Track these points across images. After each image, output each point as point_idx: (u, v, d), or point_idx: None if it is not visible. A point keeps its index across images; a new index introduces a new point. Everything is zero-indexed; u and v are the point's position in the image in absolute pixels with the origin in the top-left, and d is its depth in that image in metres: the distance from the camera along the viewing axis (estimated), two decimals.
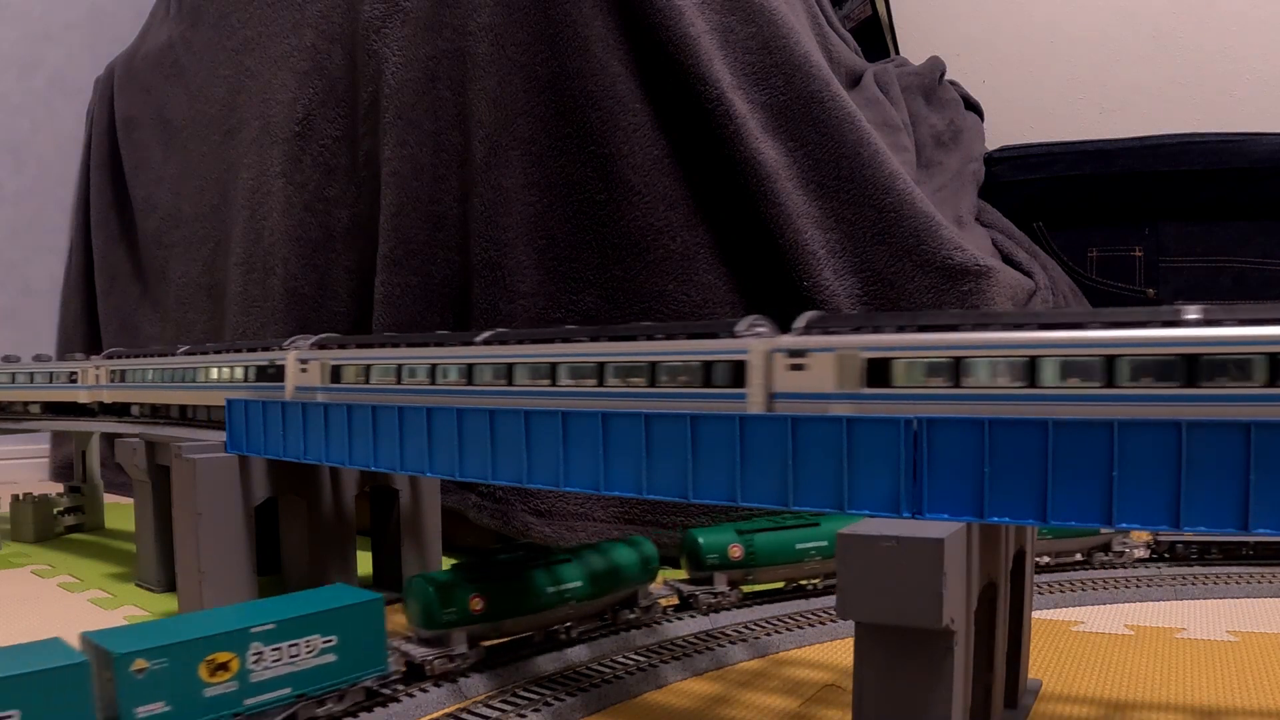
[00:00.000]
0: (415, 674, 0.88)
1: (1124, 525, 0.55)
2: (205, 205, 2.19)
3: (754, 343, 0.73)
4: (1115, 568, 1.30)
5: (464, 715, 0.81)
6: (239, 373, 1.26)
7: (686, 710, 0.86)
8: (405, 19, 1.62)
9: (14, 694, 0.63)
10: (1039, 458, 0.57)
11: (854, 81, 2.00)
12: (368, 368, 1.04)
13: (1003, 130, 2.37)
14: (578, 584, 0.98)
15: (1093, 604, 1.20)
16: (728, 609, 1.11)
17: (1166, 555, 1.34)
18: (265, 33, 2.01)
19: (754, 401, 0.72)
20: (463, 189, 1.55)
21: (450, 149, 1.57)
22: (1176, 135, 2.11)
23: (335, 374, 1.08)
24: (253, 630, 0.75)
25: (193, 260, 2.24)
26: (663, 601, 1.11)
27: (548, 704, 0.83)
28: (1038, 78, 2.56)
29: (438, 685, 0.87)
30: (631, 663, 0.94)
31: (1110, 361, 0.58)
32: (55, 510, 1.86)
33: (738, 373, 0.74)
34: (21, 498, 1.84)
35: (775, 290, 1.43)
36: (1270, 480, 0.51)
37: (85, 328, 2.70)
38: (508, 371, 0.89)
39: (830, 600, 1.17)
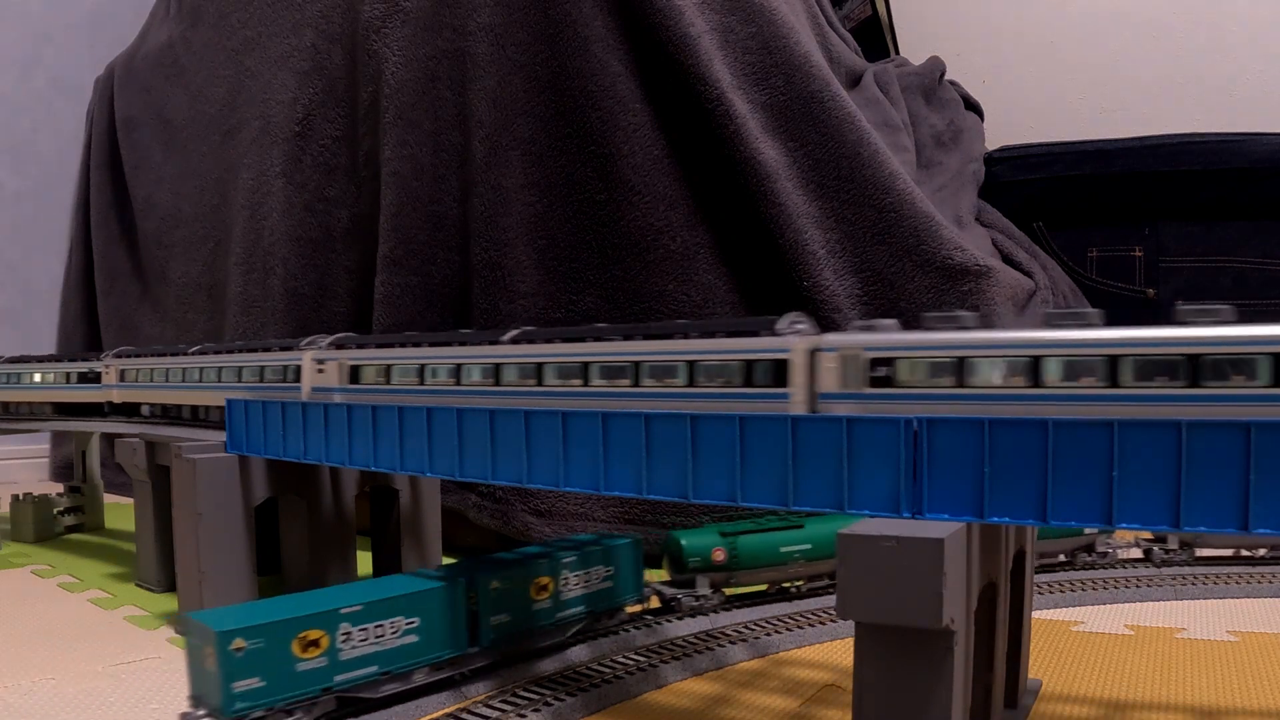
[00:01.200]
0: (668, 609, 1.10)
1: (1124, 525, 0.55)
2: (205, 205, 2.19)
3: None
4: (1101, 568, 1.30)
5: (464, 715, 0.81)
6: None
7: (686, 710, 0.86)
8: (405, 19, 1.62)
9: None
10: (1039, 458, 0.57)
11: (854, 81, 2.00)
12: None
13: (1003, 130, 2.37)
14: (807, 546, 1.14)
15: (1093, 604, 1.20)
16: (710, 613, 1.11)
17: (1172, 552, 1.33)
18: (265, 33, 2.01)
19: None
20: (463, 189, 1.55)
21: (450, 149, 1.57)
22: (1176, 135, 2.11)
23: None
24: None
25: (193, 260, 2.24)
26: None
27: (548, 704, 0.83)
28: (1038, 78, 2.56)
29: (683, 618, 1.08)
30: (631, 663, 0.94)
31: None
32: (55, 510, 1.86)
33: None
34: (21, 498, 1.84)
35: (775, 290, 1.43)
36: (1270, 480, 0.51)
37: (85, 328, 2.70)
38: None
39: (827, 600, 1.17)
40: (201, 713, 0.75)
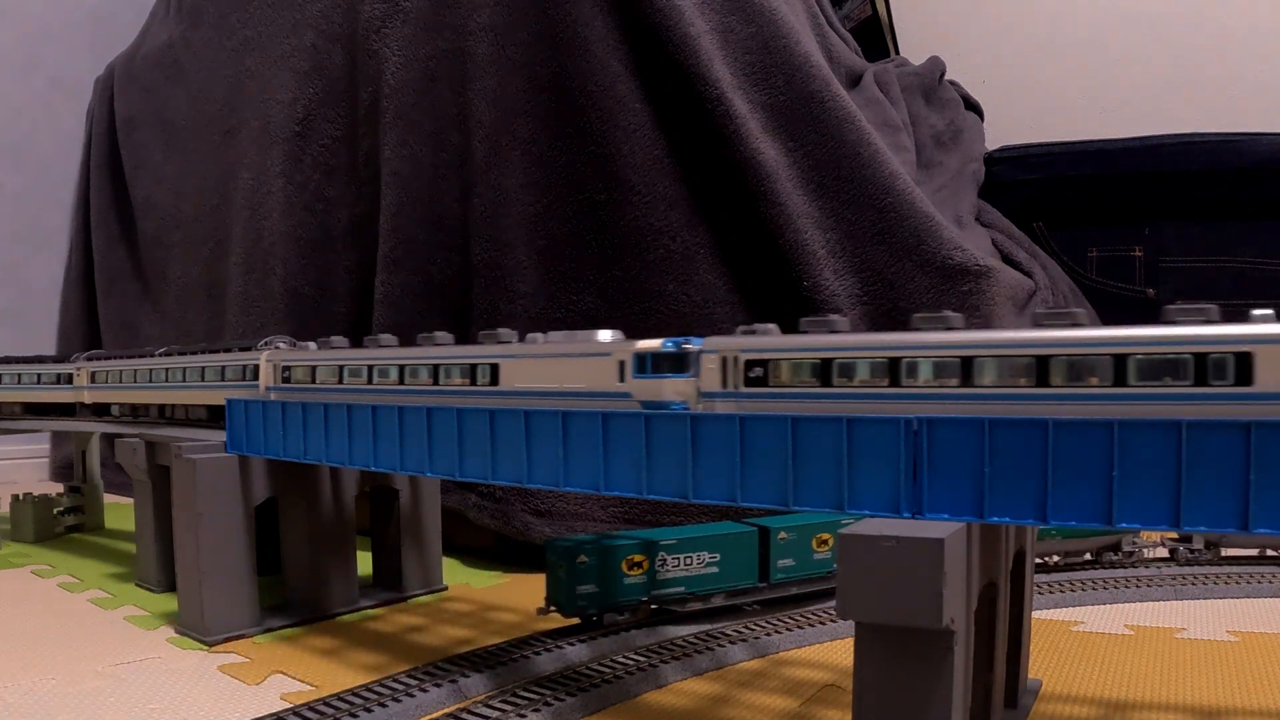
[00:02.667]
0: None
1: (1124, 525, 0.55)
2: (205, 205, 2.19)
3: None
4: (1124, 567, 1.31)
5: (464, 715, 0.81)
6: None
7: (686, 710, 0.86)
8: (405, 19, 1.62)
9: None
10: (1039, 458, 0.57)
11: (854, 81, 2.00)
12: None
13: (1003, 130, 2.36)
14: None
15: (1093, 604, 1.20)
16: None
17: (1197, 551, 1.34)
18: (265, 33, 2.02)
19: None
20: (463, 189, 1.55)
21: (450, 149, 1.57)
22: (1176, 135, 2.11)
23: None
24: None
25: (193, 260, 2.24)
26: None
27: (548, 704, 0.83)
28: (1038, 78, 2.56)
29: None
30: (631, 663, 0.94)
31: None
32: (55, 510, 1.86)
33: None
34: (21, 498, 1.84)
35: (775, 290, 1.43)
36: (1270, 480, 0.51)
37: (85, 328, 2.70)
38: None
39: (827, 600, 1.17)
40: (552, 609, 1.03)
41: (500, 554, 1.53)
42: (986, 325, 1.43)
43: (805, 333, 0.72)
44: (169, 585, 1.30)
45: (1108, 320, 0.62)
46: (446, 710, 0.83)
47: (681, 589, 1.07)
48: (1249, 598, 1.22)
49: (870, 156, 1.44)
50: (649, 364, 0.78)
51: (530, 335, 0.91)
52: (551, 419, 0.79)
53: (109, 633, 1.14)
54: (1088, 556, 1.32)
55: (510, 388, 0.88)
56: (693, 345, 0.77)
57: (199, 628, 1.09)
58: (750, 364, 0.73)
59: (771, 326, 0.75)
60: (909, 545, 0.54)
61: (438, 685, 0.88)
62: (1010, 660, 0.78)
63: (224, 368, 1.29)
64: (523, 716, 0.81)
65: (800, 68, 1.46)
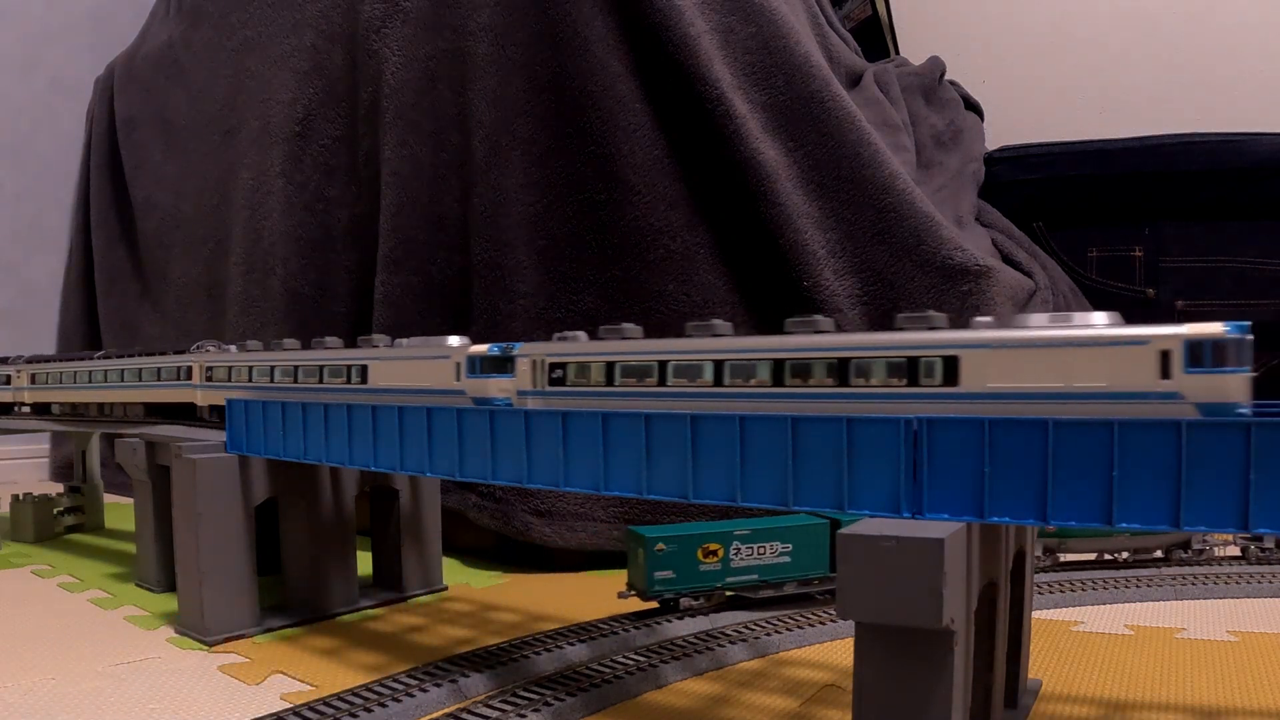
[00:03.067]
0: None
1: (1124, 525, 0.55)
2: (205, 205, 2.19)
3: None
4: (1196, 564, 1.32)
5: (464, 715, 0.81)
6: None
7: (686, 710, 0.86)
8: (405, 19, 1.62)
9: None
10: (1039, 458, 0.57)
11: (854, 81, 2.00)
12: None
13: (1003, 130, 2.36)
14: None
15: (1093, 604, 1.20)
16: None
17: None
18: (265, 33, 2.02)
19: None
20: (463, 189, 1.55)
21: (450, 149, 1.57)
22: (1176, 135, 2.11)
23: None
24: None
25: (193, 260, 2.24)
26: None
27: (548, 704, 0.83)
28: (1038, 78, 2.56)
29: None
30: (631, 663, 0.94)
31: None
32: (55, 510, 1.86)
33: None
34: (21, 498, 1.84)
35: (775, 290, 1.43)
36: (1270, 480, 0.51)
37: (85, 328, 2.70)
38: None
39: (827, 600, 1.17)
40: (632, 593, 1.11)
41: (500, 554, 1.53)
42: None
43: (602, 339, 0.84)
44: (169, 585, 1.30)
45: None
46: (446, 710, 0.83)
47: (755, 577, 1.13)
48: (1249, 598, 1.22)
49: (870, 156, 1.44)
50: (479, 366, 0.91)
51: (398, 340, 1.05)
52: (552, 419, 0.79)
53: (109, 633, 1.14)
54: (1159, 554, 1.33)
55: (376, 385, 1.02)
56: (514, 350, 0.89)
57: (199, 628, 1.09)
58: (553, 366, 0.86)
59: (580, 334, 0.87)
60: (909, 545, 0.54)
61: (438, 685, 0.88)
62: (1010, 660, 0.78)
63: (159, 369, 1.42)
64: (523, 716, 0.81)
65: (800, 68, 1.46)
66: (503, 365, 0.91)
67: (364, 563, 1.28)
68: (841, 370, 0.70)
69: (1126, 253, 2.12)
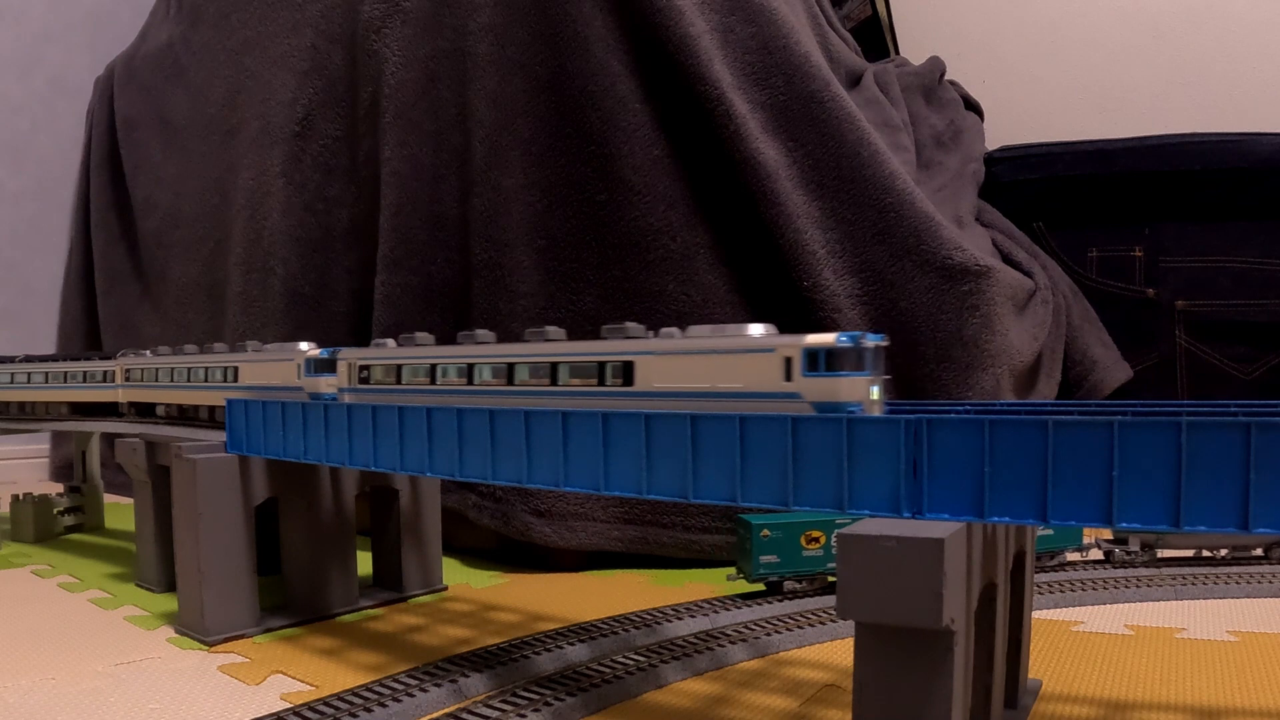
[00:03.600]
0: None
1: (1124, 525, 0.55)
2: (205, 205, 2.19)
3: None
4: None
5: (464, 715, 0.81)
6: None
7: (686, 710, 0.86)
8: (405, 19, 1.62)
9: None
10: (1039, 457, 0.57)
11: (854, 81, 2.00)
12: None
13: (1003, 130, 2.37)
14: None
15: (1093, 604, 1.20)
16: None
17: None
18: (265, 33, 2.02)
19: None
20: (463, 189, 1.55)
21: (450, 149, 1.57)
22: (1176, 135, 2.11)
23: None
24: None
25: (193, 260, 2.24)
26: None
27: (548, 704, 0.83)
28: (1038, 78, 2.56)
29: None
30: (631, 663, 0.94)
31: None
32: (55, 510, 1.86)
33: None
34: (21, 498, 1.84)
35: (775, 290, 1.43)
36: (1270, 480, 0.51)
37: (85, 328, 2.70)
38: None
39: (827, 600, 1.17)
40: (739, 576, 1.20)
41: (500, 554, 1.53)
42: (987, 325, 1.43)
43: (401, 345, 1.02)
44: (169, 585, 1.30)
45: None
46: (446, 710, 0.83)
47: None
48: (1249, 598, 1.22)
49: (870, 156, 1.44)
50: (312, 367, 1.11)
51: (267, 345, 1.24)
52: (552, 419, 0.79)
53: (109, 633, 1.14)
54: (1257, 551, 1.34)
55: (245, 384, 1.23)
56: (338, 354, 1.09)
57: (199, 628, 1.09)
58: (361, 368, 1.04)
59: (389, 341, 1.05)
60: (909, 545, 0.54)
61: (438, 685, 0.88)
62: (1010, 660, 0.78)
63: (84, 372, 1.63)
64: (523, 716, 0.81)
65: (800, 68, 1.46)
66: (330, 366, 1.09)
67: (364, 563, 1.28)
68: (554, 372, 0.86)
69: (1126, 253, 2.13)
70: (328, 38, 1.81)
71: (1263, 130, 2.06)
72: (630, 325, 0.83)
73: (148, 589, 1.36)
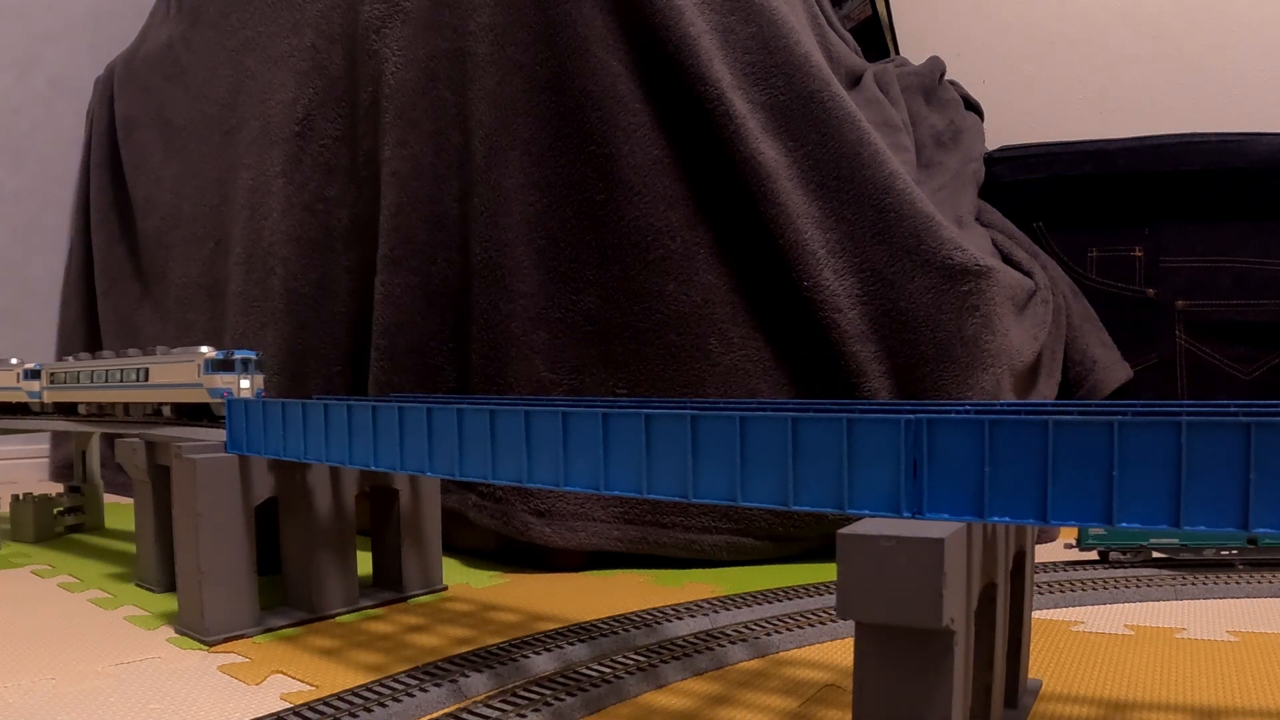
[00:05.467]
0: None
1: (1124, 525, 0.55)
2: (205, 205, 2.19)
3: None
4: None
5: (464, 715, 0.81)
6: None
7: (686, 710, 0.86)
8: (405, 19, 1.62)
9: None
10: (1039, 458, 0.57)
11: (854, 81, 2.00)
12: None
13: (1003, 130, 2.37)
14: None
15: (1093, 604, 1.20)
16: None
17: None
18: (265, 33, 2.02)
19: None
20: (463, 189, 1.55)
21: (450, 149, 1.57)
22: (1176, 135, 2.11)
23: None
24: None
25: (193, 260, 2.24)
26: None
27: (548, 704, 0.83)
28: (1038, 78, 2.56)
29: None
30: (631, 663, 0.94)
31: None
32: (55, 510, 1.86)
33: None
34: (21, 498, 1.84)
35: (775, 290, 1.43)
36: (1270, 480, 0.51)
37: (85, 328, 2.71)
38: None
39: (827, 600, 1.17)
40: (1075, 545, 1.33)
41: (500, 554, 1.53)
42: (987, 325, 1.43)
43: (78, 361, 1.34)
44: (169, 585, 1.30)
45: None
46: (446, 710, 0.83)
47: (1176, 541, 1.29)
48: (1249, 598, 1.22)
49: (870, 156, 1.44)
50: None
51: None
52: (552, 418, 0.79)
53: (109, 633, 1.14)
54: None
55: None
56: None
57: (199, 628, 1.09)
58: (51, 375, 1.35)
59: (85, 354, 1.46)
60: (909, 545, 0.54)
61: (438, 685, 0.88)
62: (1010, 660, 0.78)
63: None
64: (523, 716, 0.81)
65: (800, 68, 1.46)
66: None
67: (364, 563, 1.28)
68: (107, 375, 1.33)
69: (1126, 253, 2.13)
70: (328, 38, 1.81)
71: (1263, 130, 2.06)
72: (163, 347, 1.39)
73: (148, 589, 1.36)
